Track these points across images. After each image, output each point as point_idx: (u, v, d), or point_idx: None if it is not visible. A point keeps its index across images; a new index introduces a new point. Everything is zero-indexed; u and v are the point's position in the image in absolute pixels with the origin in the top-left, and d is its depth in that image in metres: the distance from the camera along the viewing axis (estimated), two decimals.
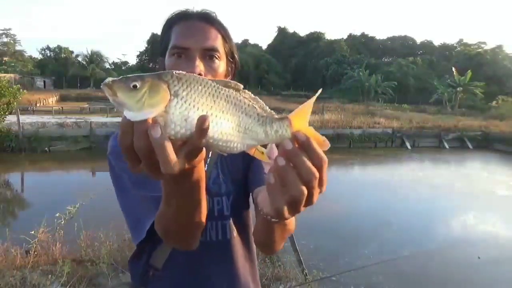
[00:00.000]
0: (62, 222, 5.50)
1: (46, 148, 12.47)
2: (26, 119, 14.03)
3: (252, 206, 0.96)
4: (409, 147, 16.62)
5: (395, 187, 10.03)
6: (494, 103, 31.43)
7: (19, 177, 10.58)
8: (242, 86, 0.52)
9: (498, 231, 6.97)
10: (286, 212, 0.50)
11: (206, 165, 0.91)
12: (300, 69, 55.27)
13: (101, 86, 0.46)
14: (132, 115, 0.46)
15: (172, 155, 0.46)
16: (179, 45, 0.87)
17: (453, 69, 35.67)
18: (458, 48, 56.61)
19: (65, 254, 4.10)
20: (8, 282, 3.35)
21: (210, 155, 0.93)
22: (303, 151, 0.49)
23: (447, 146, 17.21)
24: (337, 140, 15.88)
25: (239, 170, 0.96)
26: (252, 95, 0.53)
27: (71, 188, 8.94)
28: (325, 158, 0.50)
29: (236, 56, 0.98)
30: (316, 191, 0.50)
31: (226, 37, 0.93)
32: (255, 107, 0.52)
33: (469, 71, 33.70)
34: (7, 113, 11.79)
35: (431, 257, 5.58)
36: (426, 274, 5.06)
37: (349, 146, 16.02)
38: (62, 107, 22.91)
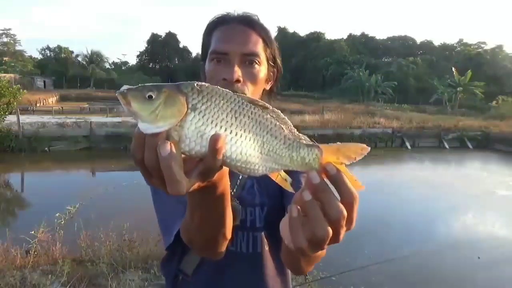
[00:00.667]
0: (62, 222, 5.51)
1: (46, 148, 12.47)
2: (26, 119, 14.03)
3: None
4: (409, 147, 16.63)
5: (395, 187, 10.03)
6: (494, 103, 31.40)
7: (19, 177, 10.58)
8: (270, 107, 0.48)
9: (498, 231, 6.97)
10: (307, 250, 0.46)
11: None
12: (300, 69, 55.22)
13: (116, 94, 0.44)
14: (145, 127, 0.43)
15: (179, 175, 0.43)
16: (218, 50, 0.85)
17: (453, 69, 35.67)
18: (458, 48, 56.62)
19: (65, 254, 4.10)
20: (8, 282, 3.35)
21: None
22: (333, 185, 0.45)
23: (447, 146, 17.21)
24: (337, 140, 15.70)
25: (272, 181, 0.93)
26: (282, 115, 0.48)
27: (71, 188, 8.94)
28: (356, 194, 0.46)
29: (278, 60, 0.94)
30: (343, 230, 0.46)
31: (267, 41, 0.89)
32: (282, 129, 0.47)
33: (469, 71, 33.70)
34: (7, 113, 11.79)
35: (431, 257, 5.57)
36: (426, 274, 5.06)
37: None
38: (62, 107, 22.92)
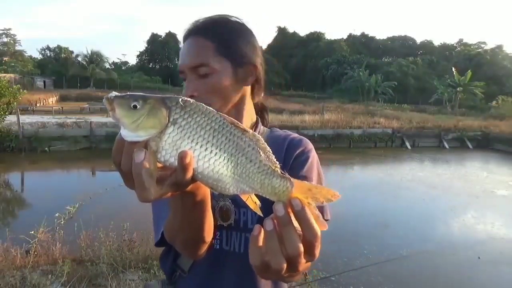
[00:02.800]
0: (62, 222, 5.52)
1: (46, 148, 12.47)
2: (26, 119, 14.03)
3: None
4: (409, 147, 16.63)
5: (395, 187, 10.03)
6: (494, 103, 31.40)
7: (19, 177, 10.58)
8: (251, 131, 0.49)
9: (498, 231, 6.97)
10: (261, 273, 0.48)
11: None
12: (300, 69, 55.22)
13: (103, 100, 0.47)
14: (125, 134, 0.46)
15: (148, 183, 0.45)
16: (179, 70, 0.87)
17: (453, 69, 35.65)
18: (458, 48, 56.60)
19: (65, 254, 4.10)
20: (8, 282, 3.35)
21: None
22: (297, 221, 0.46)
23: (447, 146, 17.21)
24: (337, 140, 15.88)
25: None
26: (262, 140, 0.49)
27: (71, 188, 8.95)
28: (318, 233, 0.46)
29: (252, 57, 0.87)
30: (302, 264, 0.47)
31: (224, 44, 0.84)
32: (259, 153, 0.48)
33: (469, 71, 33.68)
34: (7, 113, 11.79)
35: (431, 257, 5.58)
36: (426, 274, 5.06)
37: (349, 146, 16.02)
38: (62, 107, 22.89)
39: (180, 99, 0.47)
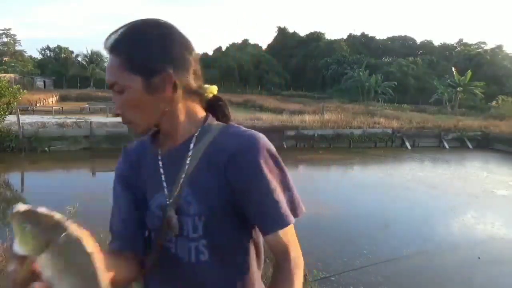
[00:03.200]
0: None
1: (46, 148, 12.46)
2: (26, 119, 14.02)
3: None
4: (409, 147, 16.63)
5: (395, 187, 10.03)
6: (494, 103, 31.40)
7: (19, 177, 10.59)
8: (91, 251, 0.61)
9: (498, 231, 6.97)
10: None
11: (180, 183, 0.87)
12: (300, 69, 55.25)
13: (9, 212, 0.60)
14: (14, 245, 0.57)
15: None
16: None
17: (453, 69, 35.64)
18: (458, 48, 56.59)
19: None
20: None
21: (184, 174, 0.87)
22: None
23: (447, 146, 17.21)
24: (337, 140, 15.88)
25: (210, 190, 0.85)
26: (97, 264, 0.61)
27: (71, 188, 8.94)
28: None
29: (164, 64, 0.83)
30: None
31: (130, 58, 0.82)
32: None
33: (469, 71, 33.66)
34: (7, 113, 11.79)
35: (431, 257, 5.58)
36: (426, 275, 5.06)
37: (349, 146, 16.02)
38: (62, 107, 22.89)
39: (64, 233, 0.57)
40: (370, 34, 64.73)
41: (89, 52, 47.82)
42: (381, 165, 13.16)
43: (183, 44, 0.88)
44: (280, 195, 0.85)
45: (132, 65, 0.82)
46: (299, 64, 55.64)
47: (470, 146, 17.48)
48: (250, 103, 31.38)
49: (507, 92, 34.86)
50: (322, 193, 9.08)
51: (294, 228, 0.88)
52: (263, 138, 0.87)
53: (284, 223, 0.84)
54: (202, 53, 60.81)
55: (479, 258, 5.64)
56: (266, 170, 0.83)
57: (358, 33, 64.90)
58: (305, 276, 4.05)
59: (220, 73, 48.98)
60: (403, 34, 64.05)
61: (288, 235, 0.86)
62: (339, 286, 4.41)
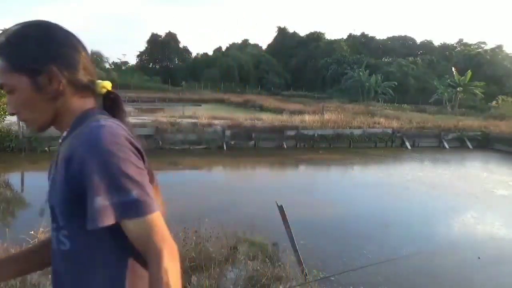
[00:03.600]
0: None
1: (46, 148, 12.45)
2: None
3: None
4: (409, 147, 16.62)
5: (395, 187, 10.03)
6: (494, 103, 31.37)
7: (19, 177, 10.59)
8: None
9: (498, 231, 6.97)
10: None
11: (51, 174, 0.94)
12: (300, 69, 55.23)
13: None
14: None
15: None
16: None
17: (453, 69, 35.63)
18: (458, 48, 56.55)
19: None
20: (8, 282, 3.35)
21: (55, 165, 0.90)
22: None
23: (447, 146, 17.21)
24: (337, 140, 15.88)
25: (59, 184, 0.86)
26: None
27: None
28: None
29: (47, 62, 0.86)
30: None
31: (13, 59, 0.86)
32: None
33: (469, 71, 33.65)
34: (7, 113, 11.77)
35: (431, 257, 5.58)
36: (426, 274, 5.06)
37: (349, 146, 16.02)
38: None
39: None
40: (370, 34, 64.74)
41: (89, 52, 47.80)
42: (381, 165, 13.15)
43: (67, 42, 0.91)
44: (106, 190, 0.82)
45: (15, 66, 0.86)
46: (299, 64, 55.62)
47: (470, 146, 17.48)
48: (250, 103, 31.37)
49: (507, 92, 34.84)
50: (322, 193, 9.10)
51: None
52: (104, 134, 0.81)
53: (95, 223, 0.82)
54: (202, 53, 60.90)
55: (479, 258, 5.64)
56: (95, 168, 0.79)
57: (358, 33, 64.91)
58: (305, 276, 4.05)
59: (220, 73, 48.99)
60: (403, 34, 64.02)
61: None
62: (339, 286, 4.40)
